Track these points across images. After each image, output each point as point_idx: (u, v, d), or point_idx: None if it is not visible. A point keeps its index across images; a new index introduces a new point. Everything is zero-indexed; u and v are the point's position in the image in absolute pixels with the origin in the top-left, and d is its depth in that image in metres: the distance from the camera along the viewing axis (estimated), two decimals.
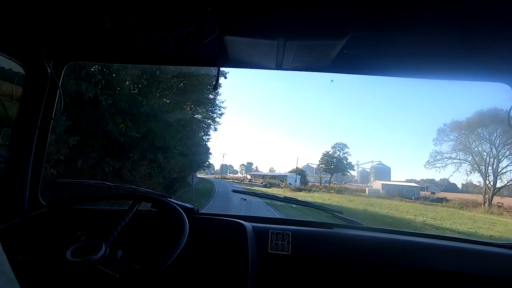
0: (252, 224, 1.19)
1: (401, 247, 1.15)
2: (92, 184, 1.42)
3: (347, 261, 1.11)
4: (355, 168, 37.37)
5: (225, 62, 1.20)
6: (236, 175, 53.25)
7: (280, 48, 1.02)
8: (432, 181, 30.59)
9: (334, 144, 36.25)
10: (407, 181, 31.89)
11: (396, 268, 1.09)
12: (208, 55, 1.18)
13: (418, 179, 32.03)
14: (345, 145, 35.23)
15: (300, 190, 27.14)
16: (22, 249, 0.84)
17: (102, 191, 1.17)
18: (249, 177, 47.90)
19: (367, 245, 1.14)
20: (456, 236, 1.39)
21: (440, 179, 30.85)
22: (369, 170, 38.93)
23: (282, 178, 34.73)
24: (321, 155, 35.65)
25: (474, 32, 0.91)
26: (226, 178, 45.01)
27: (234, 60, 1.19)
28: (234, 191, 1.51)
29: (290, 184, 30.79)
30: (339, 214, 1.34)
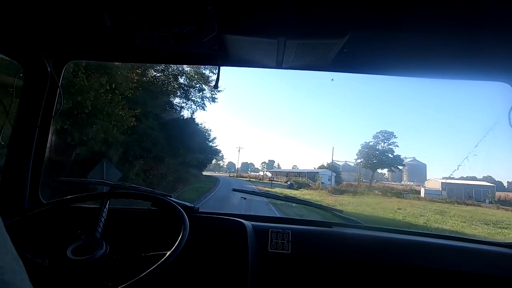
0: (252, 223, 1.19)
1: (400, 246, 1.16)
2: (92, 183, 1.42)
3: (347, 260, 1.11)
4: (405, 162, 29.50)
5: (226, 60, 1.20)
6: (257, 174, 47.32)
7: (281, 47, 1.01)
8: (473, 178, 24.46)
9: (376, 132, 28.10)
10: (444, 178, 25.54)
11: (396, 267, 1.09)
12: (208, 54, 1.18)
13: (456, 176, 25.21)
14: (391, 134, 26.96)
15: (341, 192, 20.58)
16: (23, 248, 0.84)
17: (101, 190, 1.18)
18: (269, 174, 38.78)
19: (366, 244, 1.14)
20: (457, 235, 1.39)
21: (483, 177, 25.22)
22: (401, 168, 31.78)
23: (312, 175, 27.07)
24: (359, 147, 28.40)
25: (475, 31, 0.91)
26: (242, 177, 39.19)
27: (234, 58, 1.19)
28: (234, 189, 1.51)
29: (323, 183, 24.25)
30: (338, 213, 1.34)
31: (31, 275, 0.75)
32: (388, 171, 28.49)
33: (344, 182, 26.32)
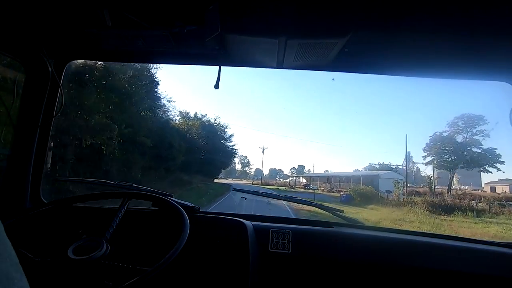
0: (253, 222, 1.19)
1: (401, 246, 1.16)
2: (93, 182, 1.42)
3: (347, 260, 1.11)
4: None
5: (226, 60, 1.20)
6: (286, 180, 41.21)
7: (282, 46, 1.01)
8: None
9: (454, 118, 18.64)
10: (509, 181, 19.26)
11: (396, 267, 1.09)
12: (209, 54, 1.18)
13: None
14: (477, 119, 17.94)
15: (446, 209, 13.09)
16: (24, 247, 0.85)
17: (103, 189, 1.18)
18: (303, 181, 31.77)
19: (367, 244, 1.14)
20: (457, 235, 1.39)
21: None
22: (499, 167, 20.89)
23: (369, 180, 19.44)
24: (427, 140, 19.53)
25: (475, 31, 0.91)
26: (269, 185, 33.07)
27: (235, 58, 1.19)
28: (235, 189, 1.51)
29: (389, 192, 16.53)
30: (339, 213, 1.34)
31: (33, 275, 0.76)
32: (480, 171, 18.53)
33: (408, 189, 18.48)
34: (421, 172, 22.13)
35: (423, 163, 20.59)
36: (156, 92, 13.25)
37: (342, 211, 1.35)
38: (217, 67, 1.21)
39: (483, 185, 22.61)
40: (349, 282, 1.10)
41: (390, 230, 1.27)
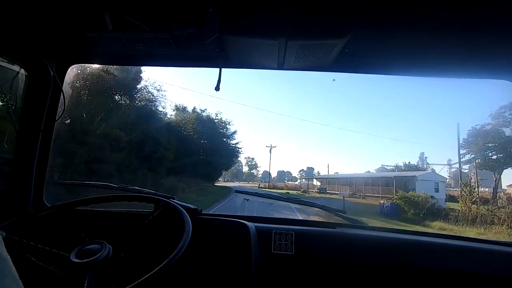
0: (255, 224, 1.19)
1: (404, 246, 1.15)
2: (96, 185, 1.42)
3: (351, 261, 1.10)
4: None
5: (227, 62, 1.20)
6: (295, 183, 40.29)
7: (282, 48, 1.02)
8: None
9: (499, 108, 15.25)
10: None
11: (400, 267, 1.09)
12: (209, 56, 1.19)
13: None
14: None
15: None
16: (27, 251, 0.85)
17: (105, 192, 1.18)
18: (318, 184, 29.19)
19: (370, 245, 1.13)
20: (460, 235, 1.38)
21: None
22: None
23: (402, 182, 16.32)
24: (465, 135, 16.45)
25: (475, 29, 0.91)
26: (277, 188, 30.64)
27: (235, 60, 1.19)
28: (237, 191, 1.51)
29: (433, 198, 12.69)
30: (342, 214, 1.34)
31: (36, 279, 0.76)
32: None
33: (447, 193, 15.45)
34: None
35: (461, 163, 16.89)
36: (134, 71, 10.47)
37: (344, 212, 1.35)
38: (218, 69, 1.21)
39: (505, 187, 18.98)
40: (353, 283, 1.09)
41: (394, 230, 1.26)
